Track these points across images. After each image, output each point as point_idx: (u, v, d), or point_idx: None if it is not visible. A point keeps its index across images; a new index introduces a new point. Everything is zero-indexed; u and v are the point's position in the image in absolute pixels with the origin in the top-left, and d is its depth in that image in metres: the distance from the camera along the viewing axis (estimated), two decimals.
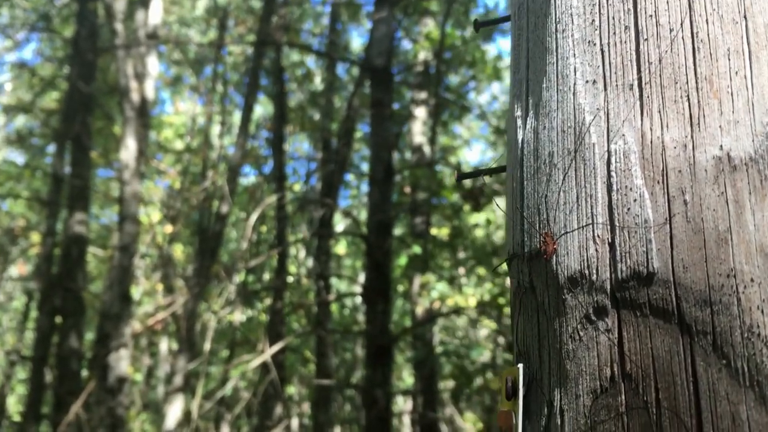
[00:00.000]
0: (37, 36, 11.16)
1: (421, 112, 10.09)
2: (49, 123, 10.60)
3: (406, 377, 11.78)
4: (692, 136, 0.77)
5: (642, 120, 0.80)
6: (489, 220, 9.17)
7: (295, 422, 10.72)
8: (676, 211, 0.75)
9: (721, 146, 0.75)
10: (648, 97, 0.80)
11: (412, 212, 9.49)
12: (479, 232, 9.59)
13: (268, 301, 9.96)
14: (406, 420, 10.55)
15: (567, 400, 0.79)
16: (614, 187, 0.79)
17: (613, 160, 0.80)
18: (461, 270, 9.63)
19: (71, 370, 9.46)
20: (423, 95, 10.04)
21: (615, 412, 0.75)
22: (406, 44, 10.67)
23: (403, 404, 11.09)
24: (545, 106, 0.89)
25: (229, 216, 9.72)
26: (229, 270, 9.02)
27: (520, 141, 0.94)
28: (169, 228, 10.87)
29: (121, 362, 8.45)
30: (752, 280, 0.71)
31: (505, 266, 0.97)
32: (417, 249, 8.83)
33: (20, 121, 11.91)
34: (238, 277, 9.83)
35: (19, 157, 11.96)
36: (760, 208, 0.73)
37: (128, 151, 8.81)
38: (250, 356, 8.52)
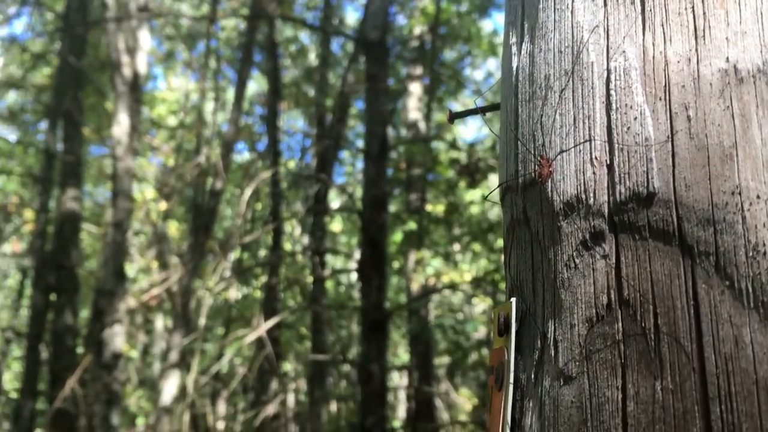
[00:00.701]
0: (27, 10, 11.01)
1: (416, 88, 10.02)
2: (41, 99, 10.50)
3: (402, 353, 11.80)
4: (697, 49, 0.72)
5: (644, 35, 0.75)
6: (484, 197, 9.12)
7: (291, 398, 10.75)
8: (678, 128, 0.71)
9: (728, 58, 0.71)
10: (650, 10, 0.76)
11: (407, 188, 9.45)
12: (475, 209, 9.57)
13: (263, 278, 9.93)
14: (402, 395, 10.58)
15: (561, 330, 0.75)
16: (613, 105, 0.75)
17: (612, 78, 0.76)
18: (456, 246, 9.61)
19: (66, 347, 9.46)
20: (418, 71, 9.97)
21: (611, 340, 0.71)
22: (402, 19, 10.57)
23: (398, 379, 11.12)
24: (541, 28, 0.85)
25: (223, 192, 9.67)
26: (223, 246, 8.98)
27: (514, 68, 0.90)
28: (163, 205, 10.82)
29: (116, 338, 8.44)
30: (758, 196, 0.67)
31: (496, 197, 0.93)
32: (412, 225, 8.80)
33: (12, 97, 11.80)
34: (233, 254, 9.80)
35: (11, 134, 11.86)
36: None
37: (121, 126, 8.73)
38: (245, 332, 8.51)
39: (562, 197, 0.77)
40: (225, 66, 11.40)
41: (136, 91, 9.09)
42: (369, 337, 7.45)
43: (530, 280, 0.82)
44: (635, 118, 0.73)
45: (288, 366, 11.34)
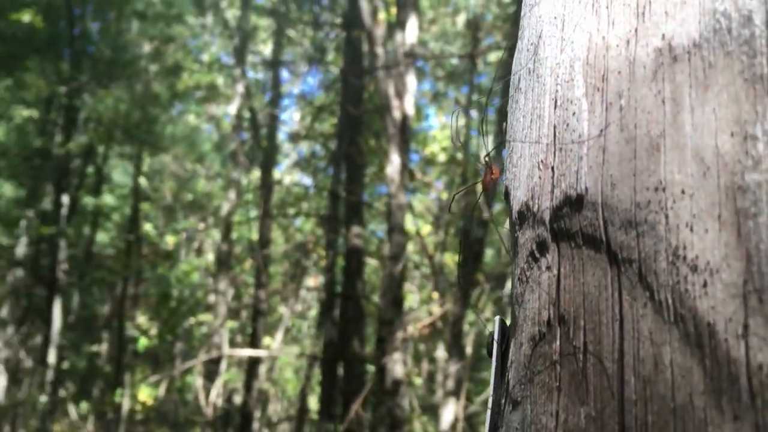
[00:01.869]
0: (315, 68, 12.33)
1: None
2: (327, 146, 11.63)
3: None
4: (636, 30, 0.63)
5: (591, 21, 0.68)
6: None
7: None
8: (611, 120, 0.62)
9: (663, 35, 0.61)
10: None
11: None
12: None
13: None
14: None
15: (515, 350, 0.69)
16: (558, 102, 0.68)
17: (560, 71, 0.69)
18: None
19: (355, 373, 10.26)
20: None
21: (549, 360, 0.64)
22: None
23: None
24: (522, 28, 0.80)
25: (488, 223, 9.80)
26: (491, 275, 9.09)
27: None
28: (438, 237, 11.28)
29: (396, 366, 8.92)
30: (683, 191, 0.56)
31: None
32: None
33: (307, 146, 13.21)
34: (507, 283, 9.87)
35: (307, 179, 13.27)
36: (701, 102, 0.57)
37: (393, 166, 9.33)
38: None
39: (516, 206, 0.71)
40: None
41: (405, 131, 9.66)
42: None
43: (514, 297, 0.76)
44: (573, 114, 0.66)
45: None
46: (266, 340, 13.32)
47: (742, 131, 0.54)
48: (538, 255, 0.67)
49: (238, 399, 13.27)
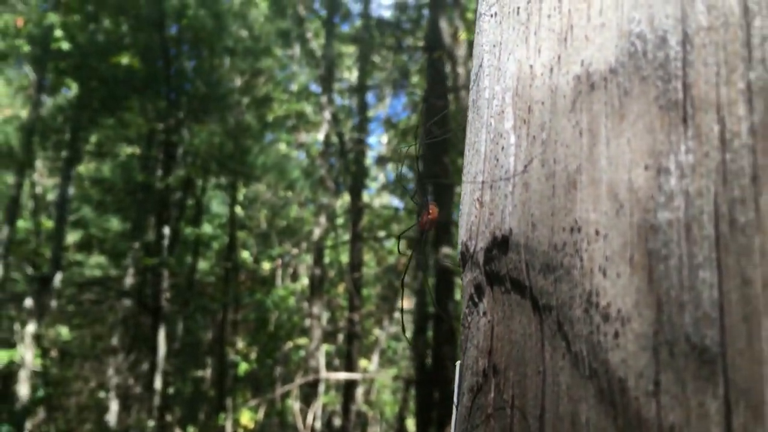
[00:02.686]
0: (400, 92, 12.42)
1: None
2: (414, 168, 11.68)
3: None
4: (559, 57, 0.59)
5: (521, 48, 0.64)
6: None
7: None
8: (534, 155, 0.58)
9: (583, 61, 0.56)
10: (528, 18, 0.64)
11: None
12: None
13: None
14: None
15: (459, 400, 0.65)
16: (491, 136, 0.64)
17: (495, 103, 0.65)
18: None
19: (449, 395, 10.17)
20: None
21: (485, 413, 0.60)
22: None
23: None
24: (473, 57, 0.76)
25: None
26: None
27: None
28: None
29: None
30: (597, 232, 0.51)
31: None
32: None
33: (394, 168, 13.29)
34: None
35: (396, 201, 13.34)
36: (616, 134, 0.52)
37: None
38: None
39: (460, 246, 0.68)
40: None
41: None
42: None
43: None
44: (502, 148, 0.62)
45: None
46: (363, 363, 13.40)
47: (656, 164, 0.49)
48: (476, 299, 0.64)
49: (337, 421, 13.39)
